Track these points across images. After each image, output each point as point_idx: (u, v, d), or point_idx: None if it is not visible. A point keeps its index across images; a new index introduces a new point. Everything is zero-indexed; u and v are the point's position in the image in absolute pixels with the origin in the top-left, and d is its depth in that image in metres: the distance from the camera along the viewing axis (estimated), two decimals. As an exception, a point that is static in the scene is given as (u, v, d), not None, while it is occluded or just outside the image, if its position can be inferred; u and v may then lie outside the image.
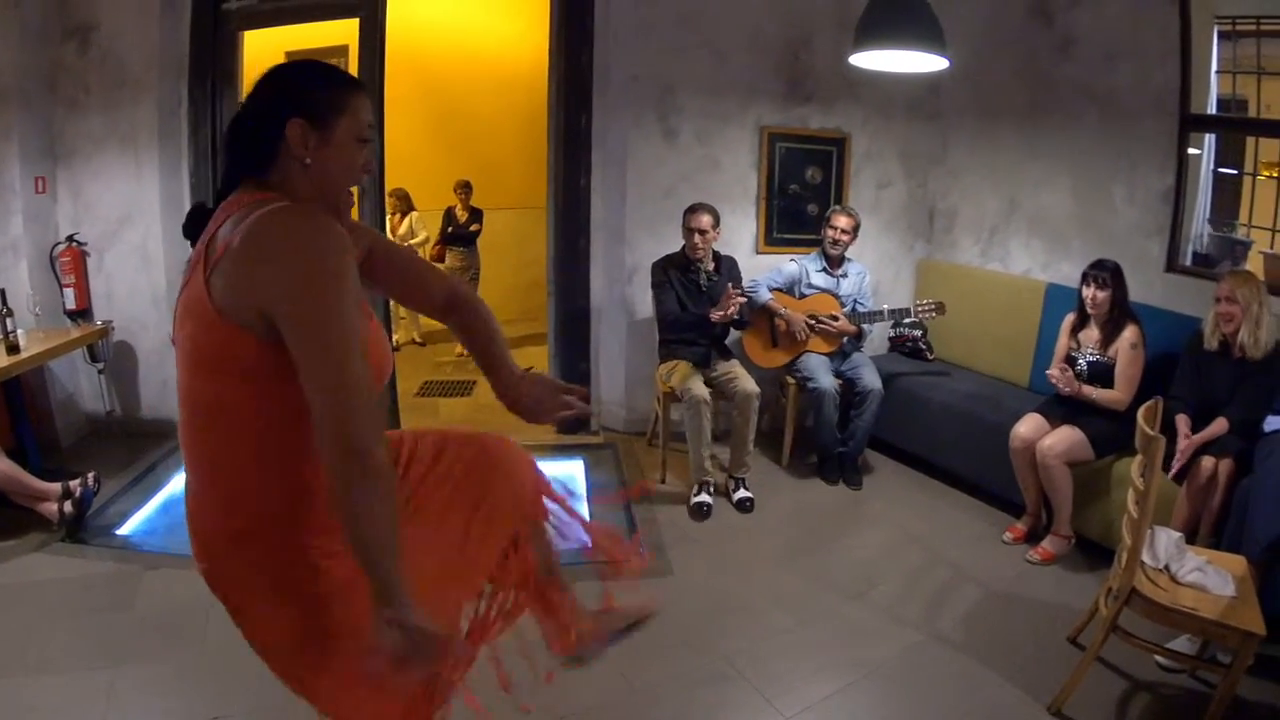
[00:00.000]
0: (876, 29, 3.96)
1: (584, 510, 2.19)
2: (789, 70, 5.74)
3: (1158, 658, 3.20)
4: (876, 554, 4.36)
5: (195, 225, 1.67)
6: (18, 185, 5.01)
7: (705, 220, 4.90)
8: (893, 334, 6.15)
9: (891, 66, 4.29)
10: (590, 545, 2.11)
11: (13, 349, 4.38)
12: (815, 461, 5.34)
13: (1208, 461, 3.65)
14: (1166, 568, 3.00)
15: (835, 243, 5.23)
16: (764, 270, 5.42)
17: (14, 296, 4.75)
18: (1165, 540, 3.06)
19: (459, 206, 8.23)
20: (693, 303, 4.99)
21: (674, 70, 5.52)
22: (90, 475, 4.27)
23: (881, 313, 5.28)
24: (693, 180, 5.66)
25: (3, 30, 4.88)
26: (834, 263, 5.32)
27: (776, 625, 3.63)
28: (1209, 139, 4.71)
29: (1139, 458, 2.94)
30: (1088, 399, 4.19)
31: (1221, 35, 4.53)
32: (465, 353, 8.21)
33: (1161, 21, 4.59)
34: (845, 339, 5.26)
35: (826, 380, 5.03)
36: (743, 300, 4.87)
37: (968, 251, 6.07)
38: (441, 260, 8.24)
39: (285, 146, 1.63)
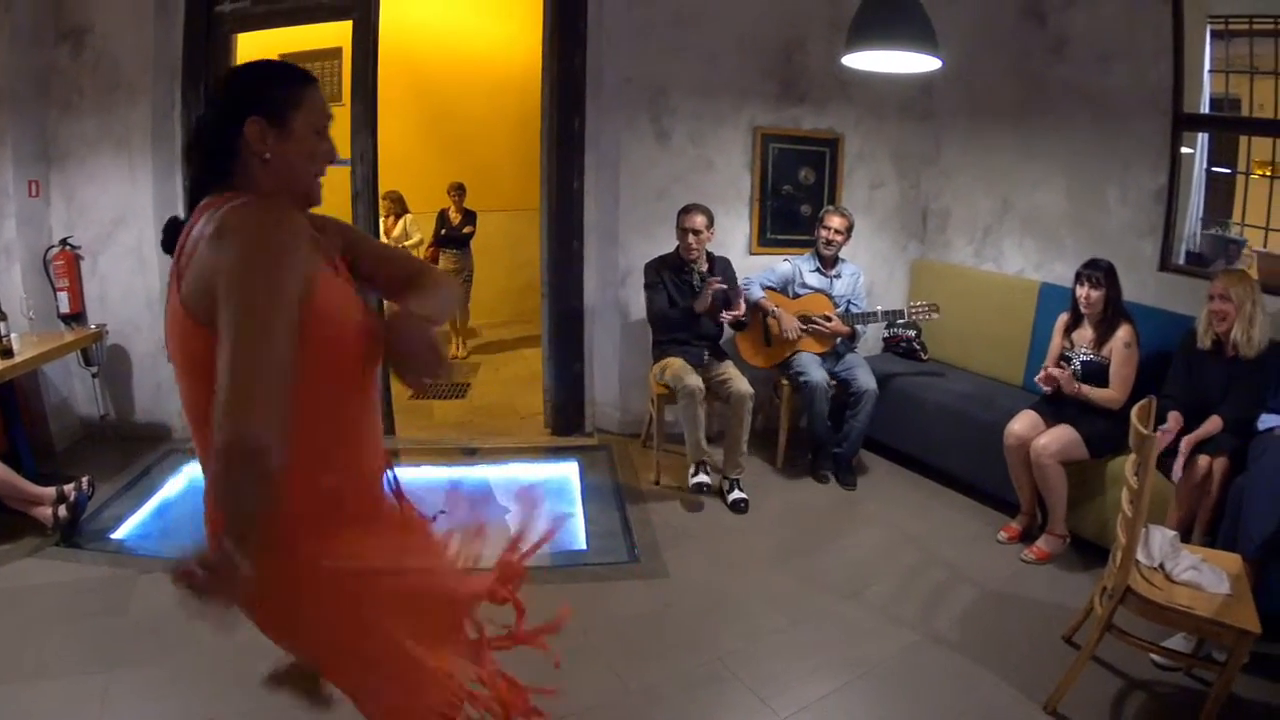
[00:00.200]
0: (869, 30, 3.96)
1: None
2: (782, 71, 5.74)
3: (1153, 656, 3.20)
4: (871, 554, 4.37)
5: (172, 238, 1.68)
6: (11, 189, 4.99)
7: (699, 220, 4.91)
8: (887, 334, 6.16)
9: (884, 67, 4.29)
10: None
11: (6, 353, 4.36)
12: (810, 459, 5.34)
13: (1202, 460, 3.66)
14: (1161, 566, 3.01)
15: (829, 243, 5.23)
16: (757, 271, 5.42)
17: (7, 300, 4.75)
18: (1160, 539, 3.07)
19: (452, 209, 8.22)
20: (685, 304, 4.99)
21: (667, 72, 5.52)
22: (84, 479, 4.26)
23: (875, 314, 5.29)
24: (686, 181, 5.66)
25: (-4, 33, 4.87)
26: (828, 263, 5.32)
27: (772, 625, 3.63)
28: (1202, 138, 4.73)
29: (1133, 456, 2.95)
30: (1082, 398, 4.20)
31: (1214, 35, 4.54)
32: (461, 355, 8.26)
33: (1154, 21, 4.60)
34: (838, 339, 5.27)
35: (818, 374, 5.03)
36: (724, 286, 4.88)
37: (961, 251, 6.08)
38: (435, 262, 8.22)
39: (246, 146, 1.65)
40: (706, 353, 5.09)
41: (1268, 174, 4.50)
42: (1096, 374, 4.23)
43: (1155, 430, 2.93)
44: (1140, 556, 3.01)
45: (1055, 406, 4.32)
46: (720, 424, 5.04)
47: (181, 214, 1.77)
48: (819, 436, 5.21)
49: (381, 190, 5.80)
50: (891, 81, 5.46)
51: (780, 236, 5.95)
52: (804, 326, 5.17)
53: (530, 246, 5.78)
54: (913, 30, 3.89)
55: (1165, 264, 4.77)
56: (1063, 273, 5.07)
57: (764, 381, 5.45)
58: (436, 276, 2.03)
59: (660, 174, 5.64)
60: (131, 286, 5.38)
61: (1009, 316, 5.40)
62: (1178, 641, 3.24)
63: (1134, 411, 3.02)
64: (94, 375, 5.41)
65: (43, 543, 4.09)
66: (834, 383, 5.20)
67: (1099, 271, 4.20)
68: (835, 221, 5.22)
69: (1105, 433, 4.11)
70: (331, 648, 1.79)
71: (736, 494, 4.84)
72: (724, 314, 4.89)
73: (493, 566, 1.94)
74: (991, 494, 4.82)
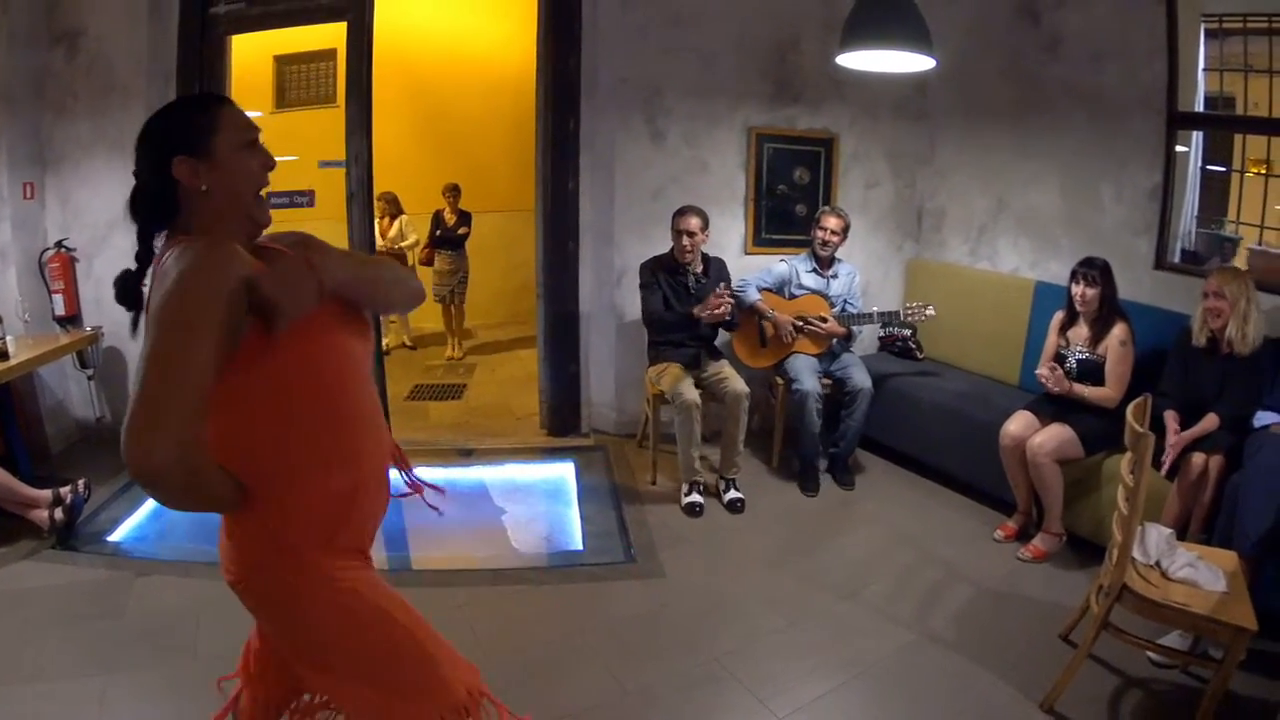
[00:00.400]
0: (863, 29, 3.96)
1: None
2: (776, 71, 5.75)
3: (1150, 654, 3.20)
4: (868, 554, 4.37)
5: (124, 290, 1.71)
6: (5, 192, 4.99)
7: (694, 222, 4.90)
8: (882, 333, 6.16)
9: (878, 67, 4.29)
10: None
11: (2, 356, 4.35)
12: (798, 468, 5.27)
13: (1198, 457, 3.66)
14: (1157, 564, 3.01)
15: (825, 244, 5.23)
16: (753, 271, 5.42)
17: (3, 303, 4.76)
18: (1156, 537, 3.07)
19: (447, 210, 8.22)
20: (681, 305, 4.98)
21: (661, 73, 5.52)
22: (80, 482, 4.25)
23: (871, 315, 5.29)
24: (681, 182, 5.66)
25: (-10, 36, 4.87)
26: (824, 263, 5.32)
27: (769, 626, 3.63)
28: (1197, 136, 4.73)
29: (1129, 455, 2.95)
30: (1078, 397, 4.20)
31: (1208, 33, 4.54)
32: (457, 356, 8.25)
33: (1148, 20, 4.61)
34: (834, 340, 5.27)
35: (810, 382, 5.01)
36: (731, 301, 4.87)
37: (956, 251, 6.09)
38: (430, 263, 8.23)
39: (181, 187, 1.68)
40: (702, 352, 5.08)
41: (1262, 172, 4.51)
42: (1092, 372, 4.23)
43: (1153, 431, 2.93)
44: (1136, 554, 3.02)
45: (1051, 405, 4.32)
46: (716, 424, 5.04)
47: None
48: (807, 454, 5.16)
49: (376, 191, 5.80)
50: (886, 81, 5.45)
51: (775, 236, 5.96)
52: (800, 326, 5.17)
53: (525, 247, 5.79)
54: (907, 30, 3.89)
55: (1160, 262, 4.77)
56: (1058, 271, 5.07)
57: (759, 381, 5.45)
58: (384, 259, 2.05)
59: (655, 174, 5.64)
60: (127, 289, 5.35)
61: (1004, 315, 5.41)
62: (1174, 639, 3.25)
63: (1129, 409, 3.02)
64: (90, 378, 5.41)
65: (39, 545, 4.09)
66: (829, 382, 5.20)
67: (1094, 270, 4.20)
68: (831, 222, 5.22)
69: (1101, 431, 4.11)
70: (336, 649, 1.81)
71: (733, 494, 4.84)
72: (696, 310, 4.87)
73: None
74: (988, 493, 4.82)
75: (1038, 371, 4.34)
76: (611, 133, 5.53)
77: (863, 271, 5.81)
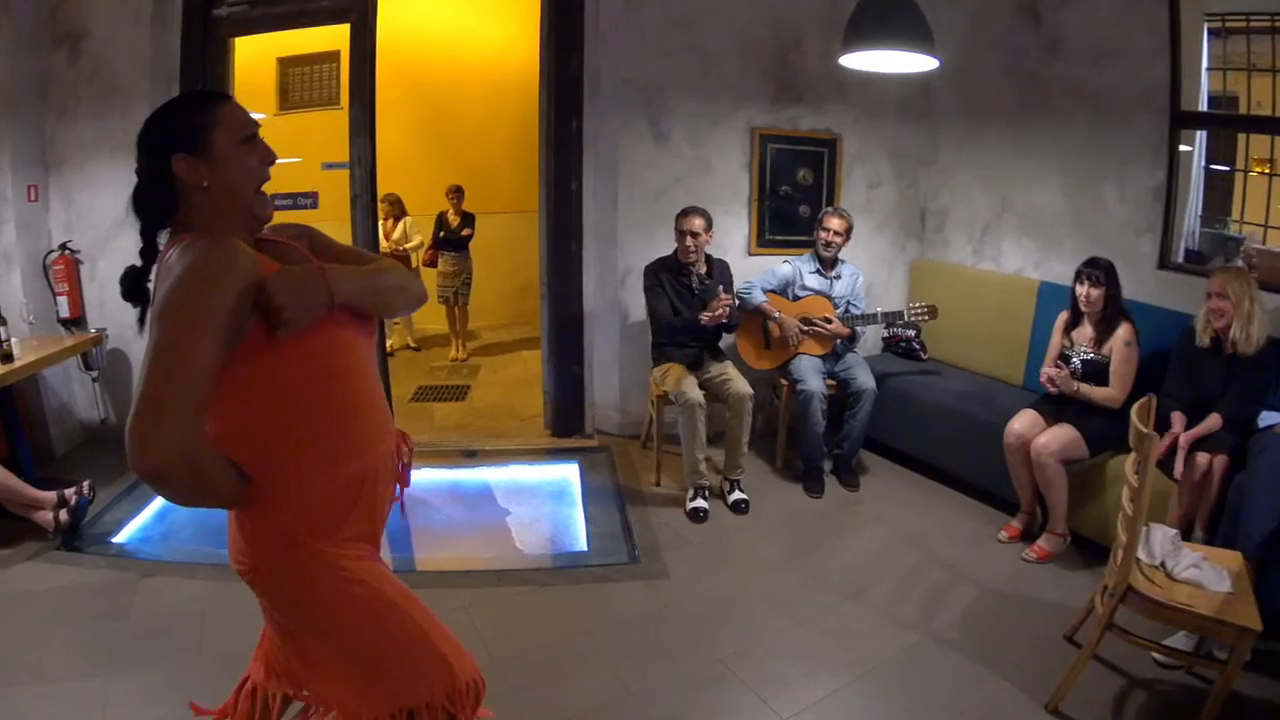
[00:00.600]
0: (865, 30, 3.97)
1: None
2: (779, 72, 5.75)
3: (1154, 655, 3.20)
4: (872, 554, 4.36)
5: (133, 287, 1.75)
6: (10, 194, 5.00)
7: (697, 223, 4.90)
8: (886, 334, 6.16)
9: (881, 67, 4.30)
10: None
11: (6, 358, 4.36)
12: (801, 470, 5.27)
13: (1202, 458, 3.65)
14: (1162, 564, 3.01)
15: (828, 245, 5.22)
16: (756, 272, 5.41)
17: (7, 305, 4.75)
18: (1160, 537, 3.07)
19: (450, 211, 8.22)
20: (685, 306, 4.98)
21: (664, 73, 5.52)
22: (85, 483, 4.26)
23: (875, 315, 5.28)
24: (684, 183, 5.67)
25: (-7, 39, 4.88)
26: (827, 264, 5.32)
27: (773, 626, 3.63)
28: (1200, 136, 4.72)
29: (1133, 455, 2.95)
30: (1083, 397, 4.20)
31: (1211, 32, 4.53)
32: (460, 357, 8.25)
33: (1151, 19, 4.61)
34: (839, 341, 5.26)
35: (815, 383, 5.01)
36: (732, 304, 4.87)
37: (960, 251, 6.09)
38: (434, 265, 8.24)
39: (181, 184, 1.70)
40: (705, 354, 5.08)
41: (1266, 171, 4.50)
42: (1096, 372, 4.22)
43: (1157, 430, 2.93)
44: (1141, 555, 3.02)
45: (1055, 405, 4.32)
46: (720, 425, 5.03)
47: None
48: (810, 456, 5.16)
49: (380, 193, 5.80)
50: (889, 81, 5.47)
51: (779, 237, 5.96)
52: (805, 329, 5.17)
53: (529, 248, 5.80)
54: (909, 30, 3.89)
55: (1164, 262, 4.77)
56: (1062, 271, 5.07)
57: (764, 382, 5.45)
58: (390, 264, 2.05)
59: (658, 175, 5.65)
60: (131, 291, 5.35)
61: (1008, 316, 5.40)
62: (1179, 640, 3.24)
63: (1134, 410, 3.02)
64: (94, 379, 5.41)
65: (43, 547, 4.09)
66: (833, 383, 5.20)
67: (1099, 270, 4.19)
68: (834, 223, 5.22)
69: (1105, 431, 4.10)
70: (343, 639, 1.84)
71: (737, 495, 4.83)
72: (702, 316, 4.86)
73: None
74: (992, 493, 4.82)
75: (1043, 371, 4.33)
76: (614, 133, 5.53)
77: (866, 272, 5.81)
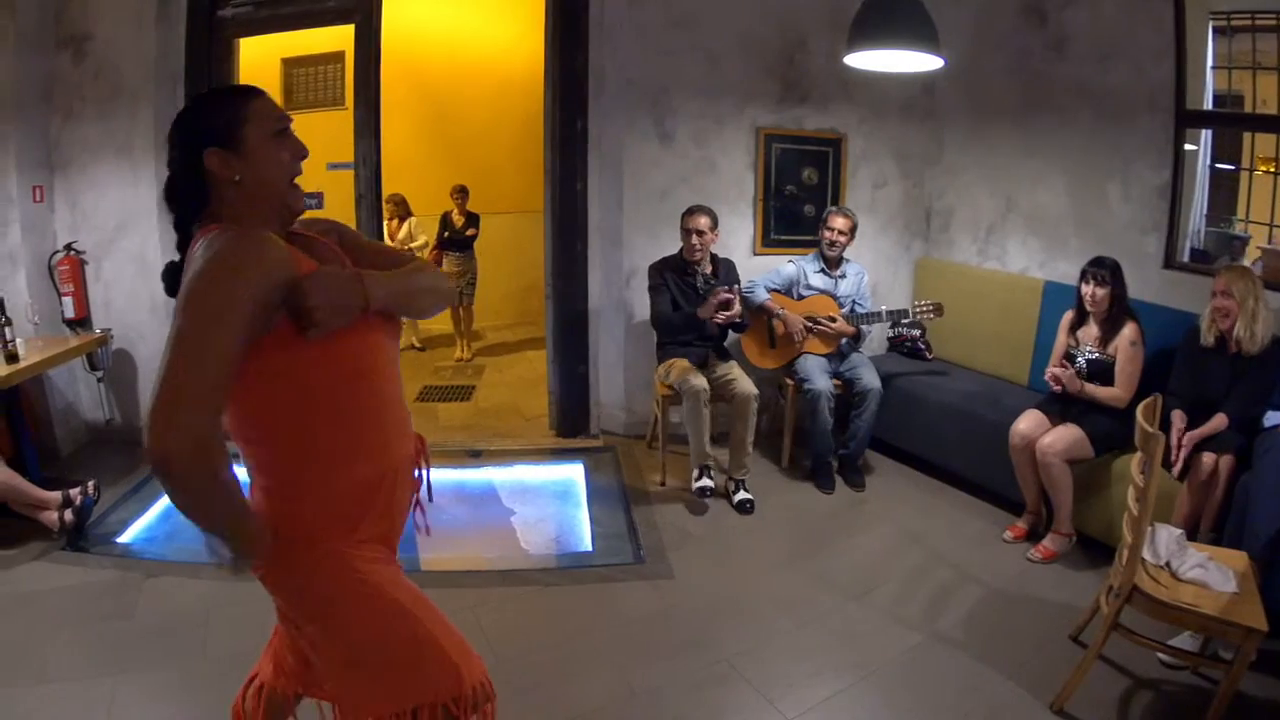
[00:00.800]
0: (870, 29, 3.96)
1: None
2: (784, 71, 5.75)
3: (1160, 655, 3.20)
4: (877, 554, 4.36)
5: (174, 282, 1.72)
6: (15, 195, 5.01)
7: (703, 221, 4.90)
8: (891, 334, 6.16)
9: (886, 67, 4.29)
10: None
11: (12, 358, 4.36)
12: (809, 467, 5.29)
13: (1208, 458, 3.64)
14: (1168, 564, 3.00)
15: (832, 244, 5.22)
16: (761, 272, 5.42)
17: (13, 306, 4.75)
18: (1166, 537, 3.07)
19: (455, 211, 8.22)
20: (690, 305, 4.98)
21: (669, 73, 5.52)
22: (90, 483, 4.27)
23: (880, 314, 5.27)
24: (689, 182, 5.67)
25: (-2, 40, 4.89)
26: (832, 264, 5.32)
27: (777, 626, 3.63)
28: (1205, 135, 4.71)
29: (1139, 455, 2.94)
30: (1088, 396, 4.19)
31: (1216, 31, 4.53)
32: (465, 357, 8.26)
33: (1155, 18, 4.60)
34: (843, 340, 5.26)
35: (822, 382, 5.01)
36: (730, 296, 4.86)
37: (965, 250, 6.08)
38: (439, 265, 8.23)
39: (213, 178, 1.71)
40: (710, 353, 5.08)
41: (1271, 170, 4.50)
42: (1102, 372, 4.22)
43: (1161, 430, 2.93)
44: (1146, 555, 3.01)
45: (1060, 405, 4.31)
46: (725, 425, 5.04)
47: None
48: (820, 452, 5.18)
49: (385, 193, 5.81)
50: (893, 81, 5.46)
51: (784, 237, 5.96)
52: (809, 327, 5.16)
53: (534, 248, 5.80)
54: (914, 29, 3.89)
55: (1170, 261, 4.76)
56: (1067, 271, 5.07)
57: (769, 382, 5.45)
58: (420, 265, 2.05)
59: (663, 175, 5.65)
60: (136, 291, 5.38)
61: (1013, 315, 5.39)
62: (1184, 640, 3.24)
63: (1139, 409, 3.01)
64: (99, 380, 5.42)
65: (49, 547, 4.10)
66: (839, 383, 5.19)
67: (1104, 269, 4.19)
68: (838, 222, 5.21)
69: (1110, 431, 4.10)
70: (353, 641, 1.84)
71: (742, 495, 4.83)
72: (700, 311, 4.87)
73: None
74: (997, 493, 4.81)
75: (1048, 371, 4.33)
76: (619, 133, 5.53)
77: (871, 271, 5.80)
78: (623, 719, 3.03)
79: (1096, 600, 3.30)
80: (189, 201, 1.74)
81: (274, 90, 8.35)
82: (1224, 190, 4.81)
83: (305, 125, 1.89)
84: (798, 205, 5.98)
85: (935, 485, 5.21)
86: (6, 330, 4.38)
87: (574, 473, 5.36)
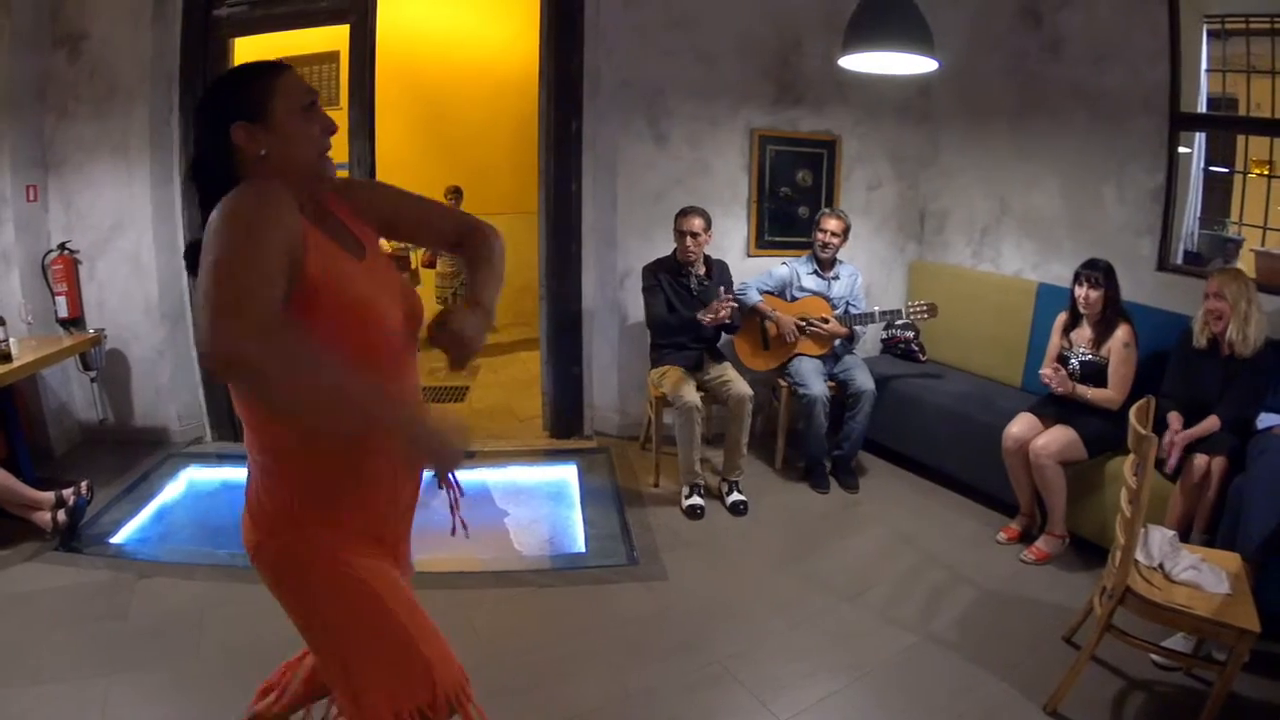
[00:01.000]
0: (865, 31, 3.97)
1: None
2: (779, 73, 5.75)
3: (1153, 656, 3.20)
4: (871, 556, 4.36)
5: (195, 261, 1.69)
6: (9, 194, 4.99)
7: (697, 223, 4.90)
8: (885, 335, 6.17)
9: (881, 68, 4.30)
10: None
11: (5, 357, 4.35)
12: (804, 469, 5.30)
13: (1201, 459, 3.65)
14: (1161, 566, 3.01)
15: (825, 246, 5.22)
16: (755, 273, 5.42)
17: (6, 305, 4.75)
18: (1159, 538, 3.07)
19: (450, 212, 8.18)
20: (684, 307, 4.98)
21: (664, 74, 5.52)
22: (83, 484, 4.25)
23: (873, 314, 5.27)
24: (684, 184, 5.67)
25: (-8, 39, 4.87)
26: (825, 265, 5.32)
27: (771, 628, 3.63)
28: (1199, 137, 4.73)
29: (1132, 456, 2.95)
30: (1081, 398, 4.20)
31: (1211, 34, 4.54)
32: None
33: (1151, 21, 4.61)
34: (837, 341, 5.26)
35: (818, 387, 5.02)
36: (734, 305, 4.87)
37: (959, 252, 6.09)
38: (433, 266, 8.25)
39: (240, 153, 1.71)
40: (704, 355, 5.08)
41: (1265, 173, 4.51)
42: (1095, 374, 4.23)
43: (1155, 431, 2.93)
44: (1139, 556, 3.02)
45: (1054, 407, 4.32)
46: (719, 426, 5.03)
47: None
48: (814, 455, 5.18)
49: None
50: (888, 83, 5.46)
51: (778, 239, 5.96)
52: (802, 326, 5.16)
53: (528, 249, 5.79)
54: (909, 31, 3.90)
55: (1163, 263, 4.77)
56: (1061, 273, 5.07)
57: (763, 384, 5.45)
58: (488, 237, 2.13)
59: (658, 176, 5.65)
60: (130, 291, 5.36)
61: (1007, 317, 5.40)
62: (1178, 641, 3.24)
63: (1132, 411, 3.02)
64: (93, 380, 5.40)
65: (42, 547, 4.08)
66: (833, 384, 5.20)
67: (1098, 271, 4.20)
68: (831, 224, 5.22)
69: (1104, 433, 4.11)
70: (331, 631, 1.83)
71: (736, 496, 4.83)
72: (700, 315, 4.87)
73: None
74: (991, 495, 4.82)
75: (1041, 372, 4.33)
76: (614, 134, 5.53)
77: (865, 273, 5.80)
78: (616, 720, 3.04)
79: (1090, 601, 3.30)
80: (215, 178, 1.71)
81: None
82: (1218, 193, 4.82)
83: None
84: (792, 207, 5.98)
85: (929, 487, 5.21)
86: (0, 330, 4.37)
87: (568, 474, 5.36)
